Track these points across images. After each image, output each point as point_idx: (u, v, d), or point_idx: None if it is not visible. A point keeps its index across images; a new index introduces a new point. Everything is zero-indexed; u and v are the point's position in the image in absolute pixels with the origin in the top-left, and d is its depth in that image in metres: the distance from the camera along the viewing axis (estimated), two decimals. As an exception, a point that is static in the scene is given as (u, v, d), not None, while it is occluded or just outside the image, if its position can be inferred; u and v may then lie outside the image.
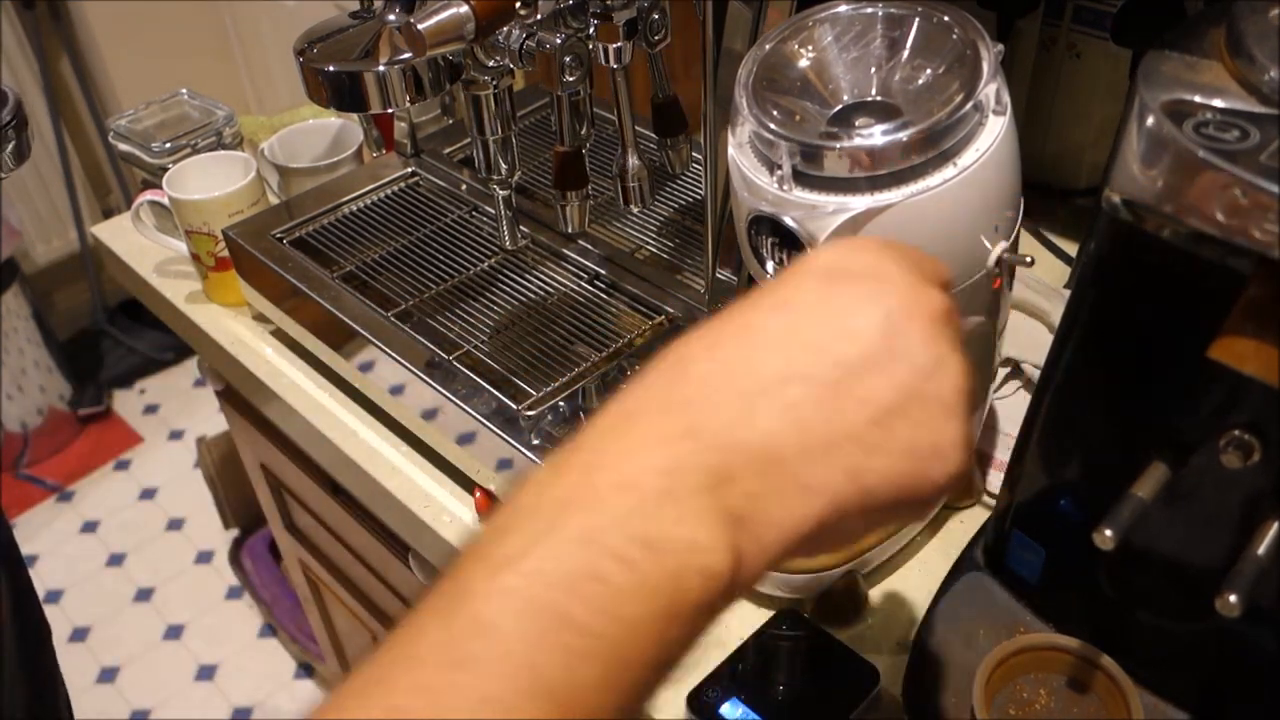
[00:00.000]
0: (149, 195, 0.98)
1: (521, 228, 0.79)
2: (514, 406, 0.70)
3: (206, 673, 1.83)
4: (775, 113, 0.52)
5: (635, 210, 0.84)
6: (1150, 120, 0.41)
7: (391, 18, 0.61)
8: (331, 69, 0.61)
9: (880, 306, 0.33)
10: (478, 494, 0.74)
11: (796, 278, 0.34)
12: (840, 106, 0.53)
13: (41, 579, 1.99)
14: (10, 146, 0.57)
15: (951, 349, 0.34)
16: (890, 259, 0.35)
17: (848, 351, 0.32)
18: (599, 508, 0.29)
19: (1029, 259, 0.54)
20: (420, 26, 0.57)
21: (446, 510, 0.76)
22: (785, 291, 0.34)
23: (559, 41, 0.62)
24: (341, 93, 0.62)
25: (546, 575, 0.28)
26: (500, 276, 0.84)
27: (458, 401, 0.71)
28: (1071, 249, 0.91)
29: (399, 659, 0.28)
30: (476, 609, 0.28)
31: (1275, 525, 0.45)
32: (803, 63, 0.55)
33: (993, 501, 0.70)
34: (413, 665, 0.28)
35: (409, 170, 0.96)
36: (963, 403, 0.33)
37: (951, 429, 0.33)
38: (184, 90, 1.14)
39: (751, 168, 0.53)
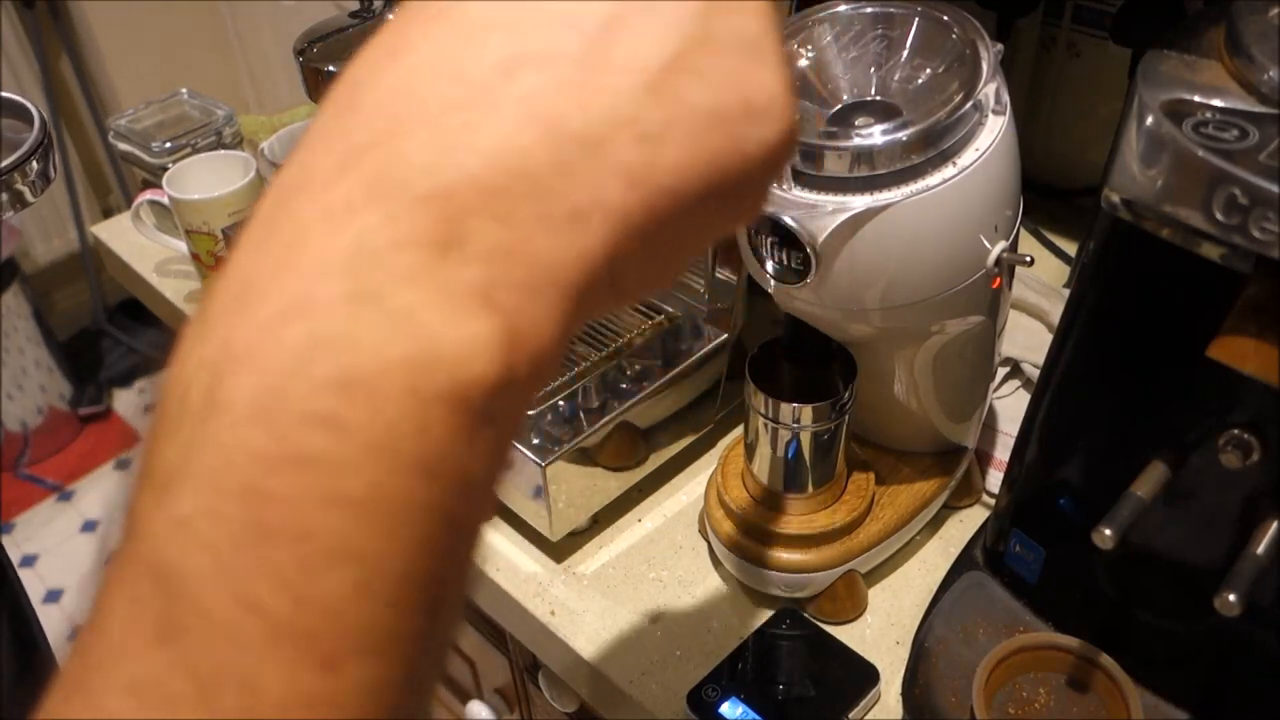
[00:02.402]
0: (149, 195, 0.98)
1: (521, 227, 0.79)
2: (514, 406, 0.70)
3: (206, 672, 1.83)
4: (775, 112, 0.52)
5: (635, 210, 0.84)
6: (1149, 120, 0.41)
7: (391, 17, 0.61)
8: (331, 69, 0.61)
9: None
10: (477, 493, 0.74)
11: None
12: (840, 106, 0.53)
13: (42, 579, 1.99)
14: (38, 169, 0.58)
15: None
16: None
17: (590, 6, 0.22)
18: (270, 353, 0.20)
19: (1028, 258, 0.54)
20: (420, 26, 0.57)
21: (446, 510, 0.76)
22: None
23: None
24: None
25: (223, 482, 0.19)
26: (500, 276, 0.84)
27: (457, 401, 0.71)
28: (1071, 249, 0.91)
29: (93, 645, 0.20)
30: (153, 555, 0.20)
31: (1275, 525, 0.45)
32: (802, 62, 0.55)
33: (993, 501, 0.70)
34: (107, 654, 0.20)
35: (409, 170, 0.96)
36: (769, 31, 0.24)
37: (764, 73, 0.23)
38: (184, 90, 1.14)
39: (751, 167, 0.53)
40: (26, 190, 0.57)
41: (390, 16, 0.40)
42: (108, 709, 0.19)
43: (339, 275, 0.20)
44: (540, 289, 0.21)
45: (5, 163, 0.56)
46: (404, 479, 0.19)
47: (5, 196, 0.56)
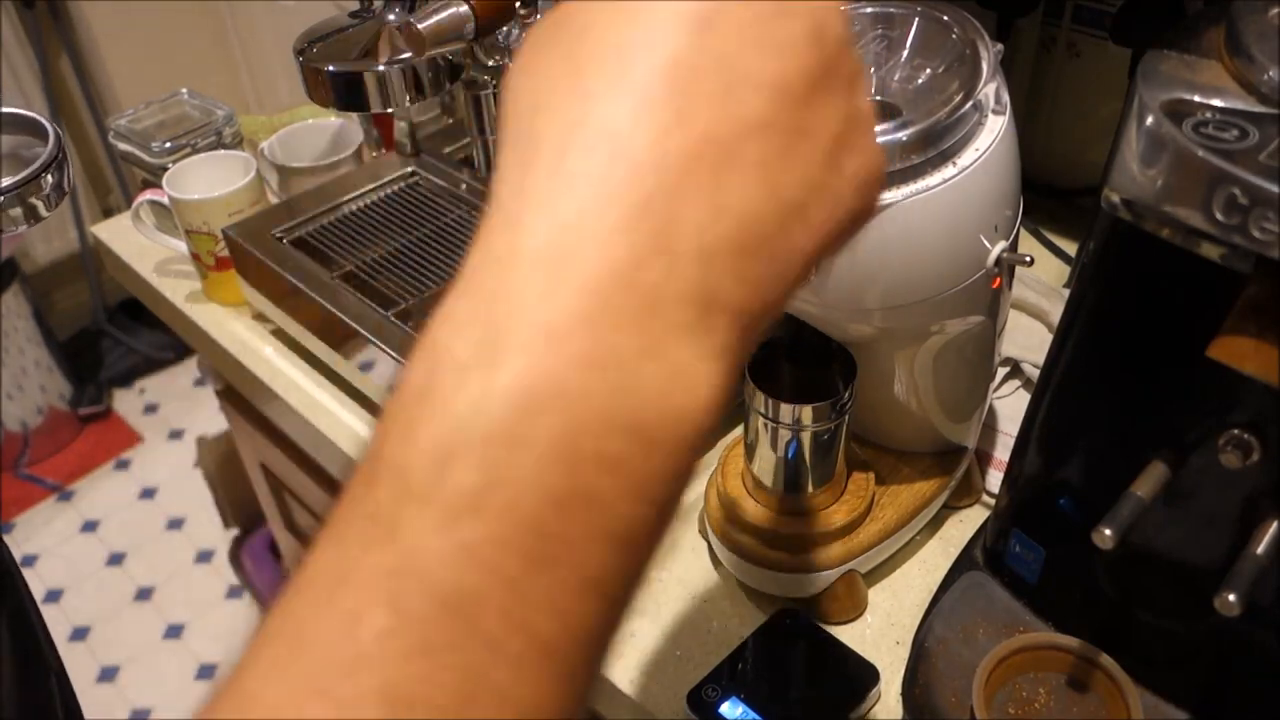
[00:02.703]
0: (149, 195, 0.98)
1: (521, 227, 0.79)
2: (514, 406, 0.70)
3: (207, 672, 1.83)
4: (775, 112, 0.52)
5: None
6: (1149, 120, 0.41)
7: (391, 17, 0.61)
8: (331, 69, 0.61)
9: (800, 14, 0.25)
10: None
11: None
12: (840, 106, 0.53)
13: (41, 579, 1.99)
14: (52, 182, 0.58)
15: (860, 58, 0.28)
16: None
17: (789, 75, 0.25)
18: (569, 409, 0.22)
19: (1028, 258, 0.54)
20: (420, 26, 0.57)
21: (446, 510, 0.76)
22: (696, 5, 0.25)
23: (559, 41, 0.62)
24: (341, 92, 0.62)
25: (513, 515, 0.21)
26: (500, 276, 0.84)
27: (458, 401, 0.71)
28: (1071, 249, 0.91)
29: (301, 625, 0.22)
30: (435, 578, 0.21)
31: (1275, 525, 0.45)
32: (802, 62, 0.55)
33: (993, 501, 0.70)
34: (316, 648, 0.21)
35: (409, 170, 0.96)
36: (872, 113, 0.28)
37: (878, 146, 0.28)
38: (184, 90, 1.14)
39: (751, 167, 0.53)
40: (41, 204, 0.57)
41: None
42: (362, 712, 0.20)
43: (633, 327, 0.22)
44: (752, 337, 0.25)
45: (20, 177, 0.56)
46: (652, 514, 0.22)
47: (19, 210, 0.57)
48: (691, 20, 0.24)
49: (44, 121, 0.60)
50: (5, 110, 0.60)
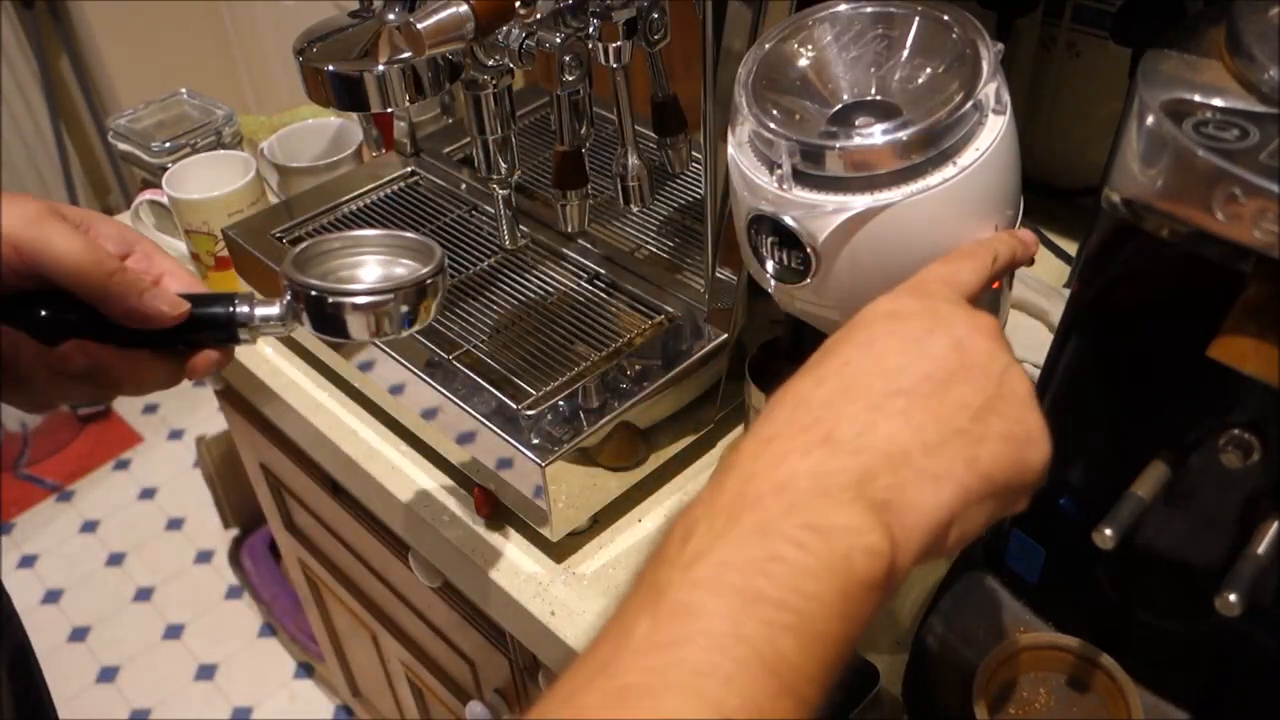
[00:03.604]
0: (149, 195, 0.98)
1: (521, 227, 0.79)
2: (514, 406, 0.70)
3: (206, 672, 1.83)
4: (775, 112, 0.52)
5: (635, 210, 0.84)
6: (1150, 119, 0.41)
7: (391, 17, 0.61)
8: (331, 69, 0.61)
9: (945, 334, 0.39)
10: (477, 493, 0.74)
11: (866, 324, 0.40)
12: (840, 106, 0.53)
13: (41, 579, 1.99)
14: (407, 305, 0.53)
15: (1012, 356, 0.40)
16: (939, 297, 0.41)
17: (933, 368, 0.38)
18: (764, 506, 0.33)
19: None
20: (420, 26, 0.57)
21: (446, 510, 0.76)
22: (861, 335, 0.40)
23: (559, 41, 0.62)
24: (341, 92, 0.62)
25: (733, 562, 0.32)
26: (500, 276, 0.84)
27: (458, 401, 0.71)
28: (1071, 249, 0.91)
29: (614, 650, 0.31)
30: (677, 597, 0.31)
31: (1275, 525, 0.45)
32: (802, 62, 0.55)
33: (992, 501, 0.70)
34: (629, 652, 0.31)
35: (408, 170, 0.96)
36: (1034, 397, 0.39)
37: (1034, 418, 0.39)
38: (183, 90, 1.14)
39: (751, 167, 0.53)
40: (388, 321, 0.53)
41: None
42: (623, 683, 0.30)
43: (806, 477, 0.34)
44: (911, 512, 0.35)
45: (395, 283, 0.53)
46: (833, 589, 0.32)
47: (369, 319, 0.52)
48: (863, 343, 0.39)
49: (434, 245, 0.56)
50: (399, 234, 0.57)
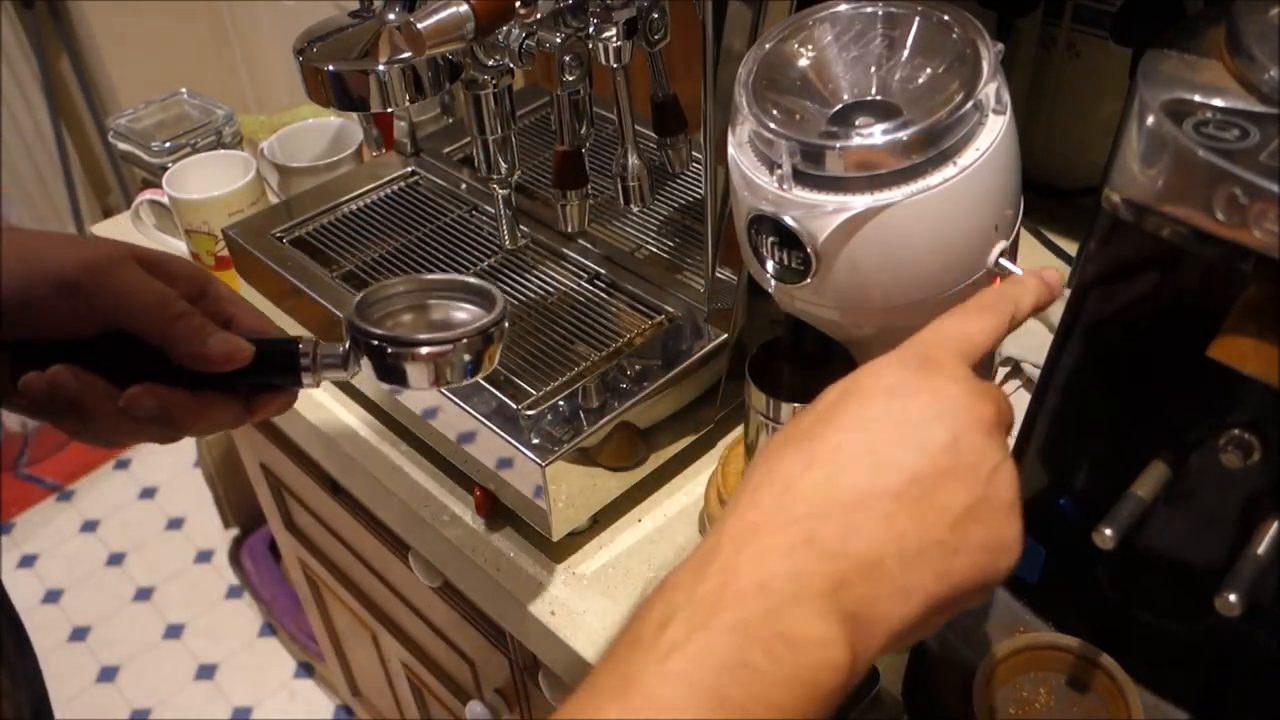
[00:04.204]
0: (149, 194, 0.98)
1: (521, 227, 0.79)
2: (514, 406, 0.70)
3: (206, 672, 1.83)
4: (775, 112, 0.52)
5: (635, 210, 0.84)
6: (1150, 119, 0.41)
7: (391, 17, 0.61)
8: (331, 68, 0.61)
9: (943, 427, 0.38)
10: (477, 493, 0.74)
11: (866, 397, 0.40)
12: (840, 106, 0.53)
13: (41, 579, 1.99)
14: (488, 350, 0.53)
15: (1005, 454, 0.39)
16: (946, 373, 0.40)
17: (924, 467, 0.37)
18: (743, 605, 0.34)
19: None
20: (420, 26, 0.57)
21: (446, 510, 0.76)
22: (857, 413, 0.39)
23: (559, 41, 0.62)
24: (341, 92, 0.62)
25: (707, 663, 0.33)
26: (500, 276, 0.84)
27: (458, 401, 0.71)
28: (1071, 249, 0.91)
29: None
30: (650, 689, 0.32)
31: (1275, 525, 0.45)
32: (802, 62, 0.55)
33: (993, 501, 0.70)
34: None
35: (409, 169, 0.96)
36: (1018, 501, 0.39)
37: (1012, 526, 0.38)
38: (183, 90, 1.14)
39: (751, 167, 0.53)
40: (450, 370, 0.52)
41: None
42: None
43: (786, 579, 0.34)
44: (876, 624, 0.35)
45: (457, 332, 0.52)
46: (795, 699, 0.33)
47: (429, 369, 0.51)
48: (858, 422, 0.38)
49: (495, 291, 0.54)
50: (462, 278, 0.56)
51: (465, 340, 0.51)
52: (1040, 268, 0.46)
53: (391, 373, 0.51)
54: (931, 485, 0.37)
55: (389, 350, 0.51)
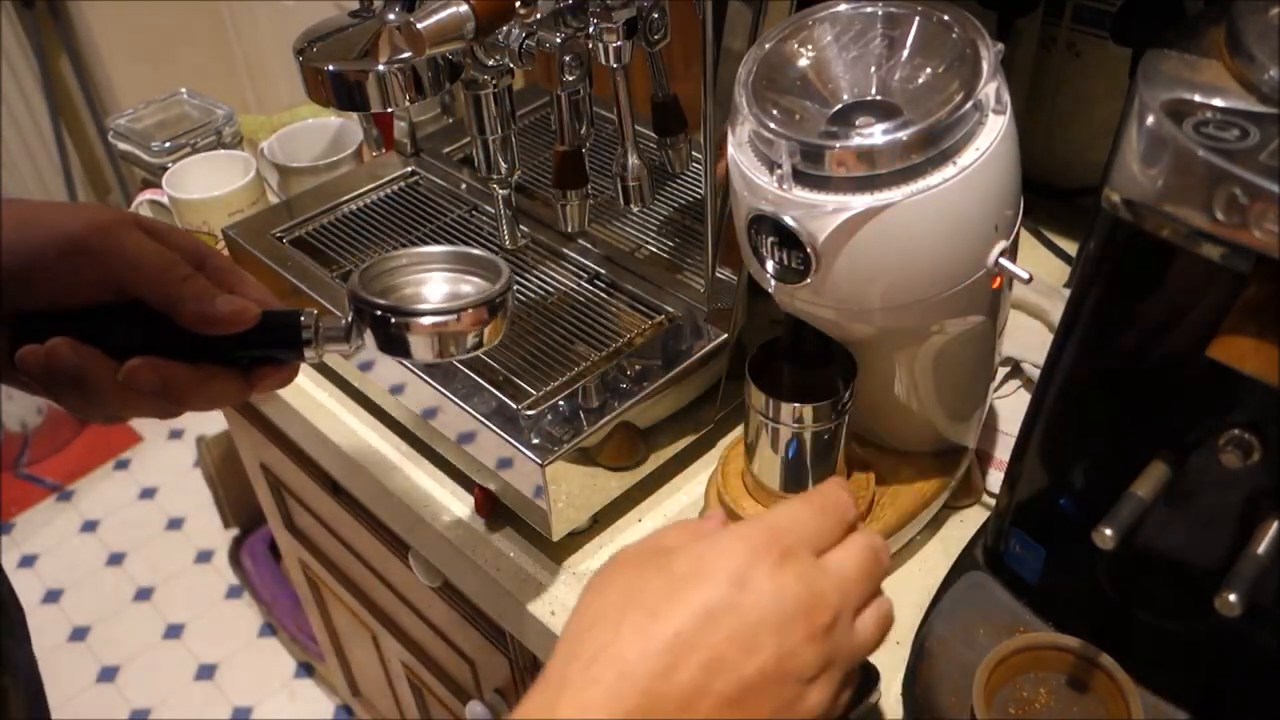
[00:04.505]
0: (149, 194, 0.98)
1: (521, 227, 0.79)
2: (514, 406, 0.70)
3: (206, 672, 1.83)
4: (775, 112, 0.52)
5: (635, 210, 0.84)
6: (1150, 119, 0.41)
7: (391, 17, 0.61)
8: (331, 68, 0.61)
9: (776, 632, 0.40)
10: (477, 493, 0.74)
11: (715, 581, 0.41)
12: (840, 106, 0.53)
13: (41, 579, 1.99)
14: (492, 322, 0.52)
15: (826, 663, 0.41)
16: (791, 573, 0.41)
17: (750, 673, 0.39)
18: (582, 699, 0.38)
19: (1027, 276, 0.54)
20: (420, 26, 0.57)
21: (446, 510, 0.76)
22: (706, 595, 0.40)
23: (559, 41, 0.62)
24: (341, 92, 0.62)
25: None
26: (500, 276, 0.84)
27: (458, 401, 0.71)
28: (1071, 249, 0.91)
29: None
30: None
31: (1275, 525, 0.45)
32: (802, 62, 0.55)
33: (993, 501, 0.70)
34: None
35: (409, 170, 0.96)
36: (825, 703, 0.41)
37: (808, 713, 0.41)
38: (183, 90, 1.14)
39: (751, 167, 0.53)
40: (452, 342, 0.51)
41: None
42: None
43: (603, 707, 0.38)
44: None
45: (459, 304, 0.51)
46: None
47: (433, 341, 0.51)
48: (701, 612, 0.40)
49: (500, 263, 0.54)
50: (466, 250, 0.55)
51: (470, 310, 0.50)
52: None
53: (394, 343, 0.51)
54: (751, 690, 0.39)
55: (392, 320, 0.50)
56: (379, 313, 0.50)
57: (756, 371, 0.60)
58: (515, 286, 0.83)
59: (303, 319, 0.52)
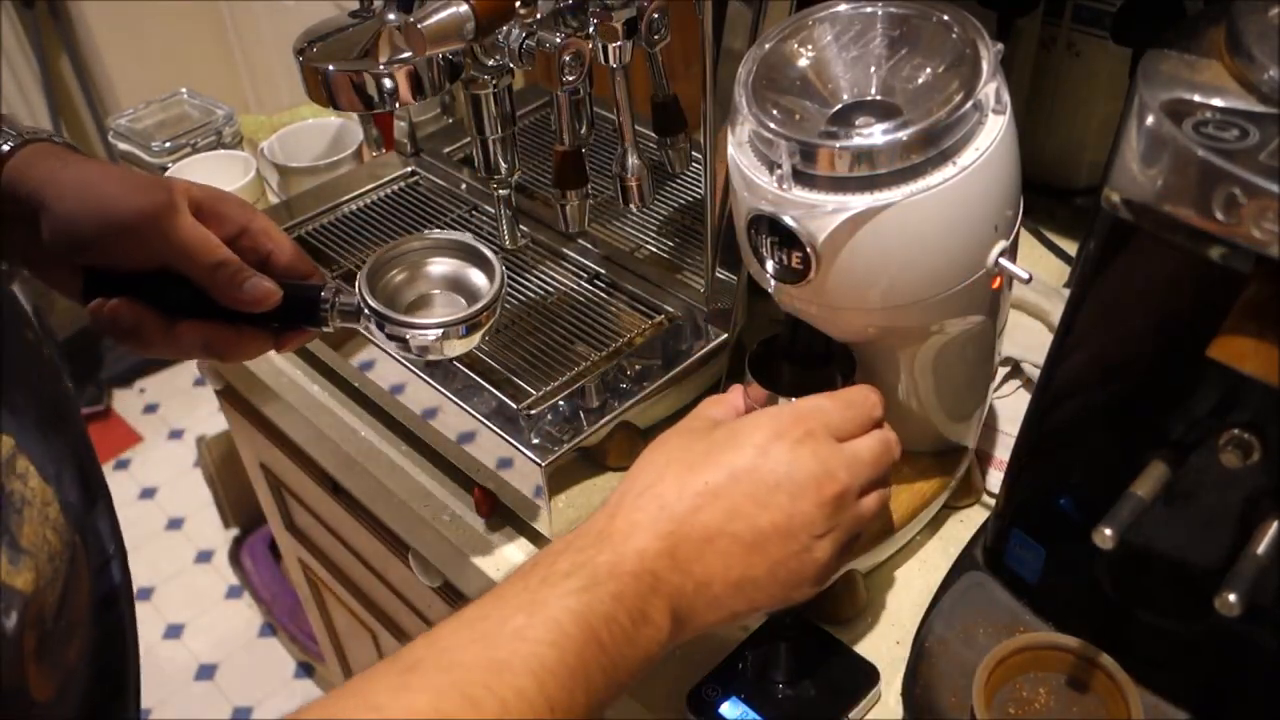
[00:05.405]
0: (149, 195, 0.98)
1: (521, 227, 0.79)
2: (514, 406, 0.70)
3: (206, 672, 1.83)
4: (775, 112, 0.52)
5: (635, 209, 0.84)
6: (1150, 119, 0.41)
7: (391, 17, 0.61)
8: (331, 69, 0.61)
9: (787, 491, 0.49)
10: (477, 493, 0.74)
11: (741, 446, 0.50)
12: (840, 105, 0.53)
13: (41, 578, 1.99)
14: (473, 335, 0.61)
15: (831, 524, 0.50)
16: (807, 448, 0.50)
17: (763, 523, 0.48)
18: (622, 583, 0.46)
19: (1027, 276, 0.54)
20: (420, 26, 0.57)
21: (446, 509, 0.76)
22: (732, 457, 0.50)
23: (559, 41, 0.62)
24: (341, 92, 0.62)
25: (596, 608, 0.44)
26: (500, 276, 0.84)
27: (458, 401, 0.71)
28: (1071, 249, 0.91)
29: (498, 625, 0.43)
30: (552, 613, 0.43)
31: (1275, 525, 0.45)
32: (802, 62, 0.55)
33: (993, 501, 0.70)
34: (505, 637, 0.42)
35: (409, 170, 0.96)
36: (832, 560, 0.50)
37: (816, 570, 0.50)
38: (184, 90, 1.14)
39: (751, 167, 0.53)
40: (446, 344, 0.60)
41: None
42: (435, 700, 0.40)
43: (649, 580, 0.47)
44: (691, 624, 0.48)
45: (464, 314, 0.60)
46: (636, 659, 0.46)
47: (421, 346, 0.60)
48: (728, 469, 0.49)
49: (490, 256, 0.63)
50: (454, 237, 0.64)
51: (453, 327, 0.59)
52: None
53: (390, 337, 0.60)
54: (763, 537, 0.48)
55: (385, 325, 0.60)
56: (373, 308, 0.60)
57: (756, 368, 0.60)
58: (516, 286, 0.83)
59: (323, 294, 0.60)
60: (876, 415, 0.54)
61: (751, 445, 0.50)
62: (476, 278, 0.63)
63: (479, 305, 0.60)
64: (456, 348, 0.60)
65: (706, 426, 0.53)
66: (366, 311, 0.60)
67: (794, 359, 0.62)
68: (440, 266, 0.64)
